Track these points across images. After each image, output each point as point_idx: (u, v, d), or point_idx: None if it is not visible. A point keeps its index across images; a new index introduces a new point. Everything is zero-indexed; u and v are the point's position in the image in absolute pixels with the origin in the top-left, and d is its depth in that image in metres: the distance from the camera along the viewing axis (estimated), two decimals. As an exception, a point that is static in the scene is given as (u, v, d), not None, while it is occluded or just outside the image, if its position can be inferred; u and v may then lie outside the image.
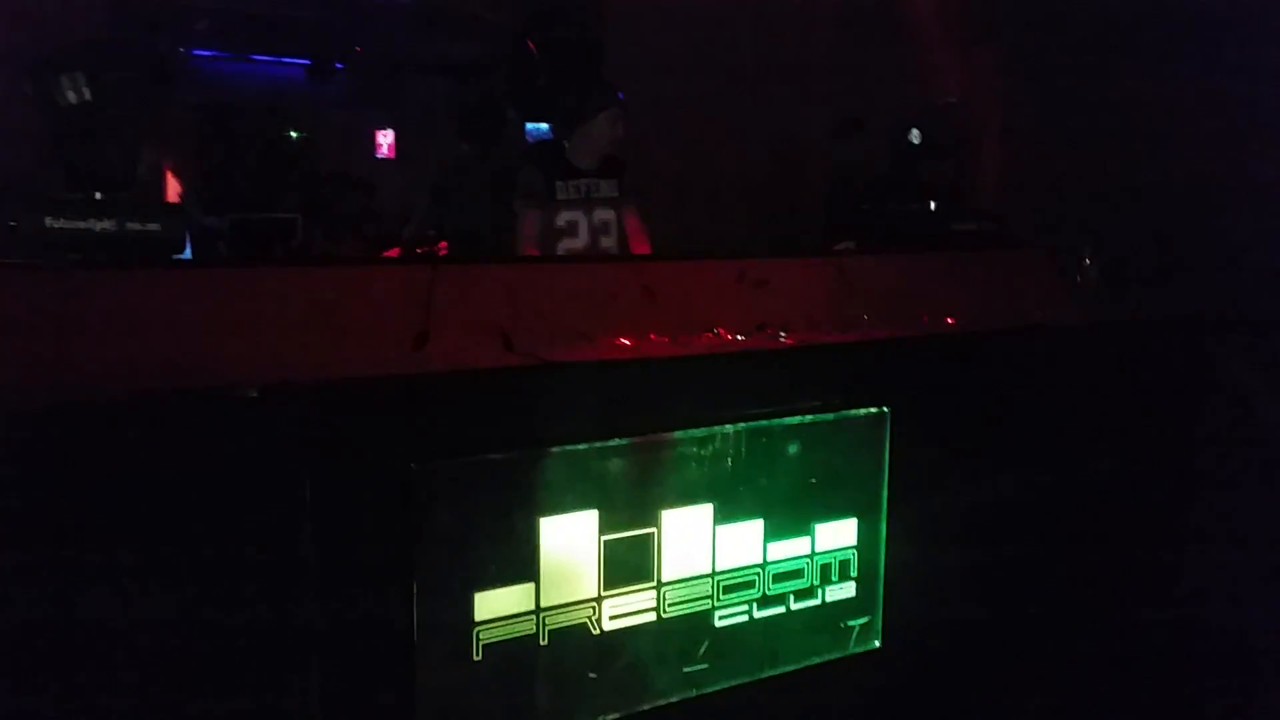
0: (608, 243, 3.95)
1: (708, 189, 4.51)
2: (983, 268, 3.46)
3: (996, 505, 3.03)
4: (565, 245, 3.91)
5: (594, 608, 2.43)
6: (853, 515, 2.80)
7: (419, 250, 4.60)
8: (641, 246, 4.00)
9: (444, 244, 4.74)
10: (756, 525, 2.65)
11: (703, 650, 2.59)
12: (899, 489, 2.84)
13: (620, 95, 4.02)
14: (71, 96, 2.31)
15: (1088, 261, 3.67)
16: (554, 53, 6.26)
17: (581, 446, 2.39)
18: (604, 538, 2.42)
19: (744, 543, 2.63)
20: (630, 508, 2.47)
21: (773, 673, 2.70)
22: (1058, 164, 4.59)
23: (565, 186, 3.91)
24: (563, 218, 3.91)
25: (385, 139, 9.61)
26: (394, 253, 4.60)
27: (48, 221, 2.17)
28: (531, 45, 6.26)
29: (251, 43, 7.96)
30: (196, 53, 7.67)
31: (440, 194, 4.79)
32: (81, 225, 2.20)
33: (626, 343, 2.65)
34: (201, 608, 1.96)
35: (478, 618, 2.26)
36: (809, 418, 2.71)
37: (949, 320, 3.17)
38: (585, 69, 5.66)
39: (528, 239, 3.94)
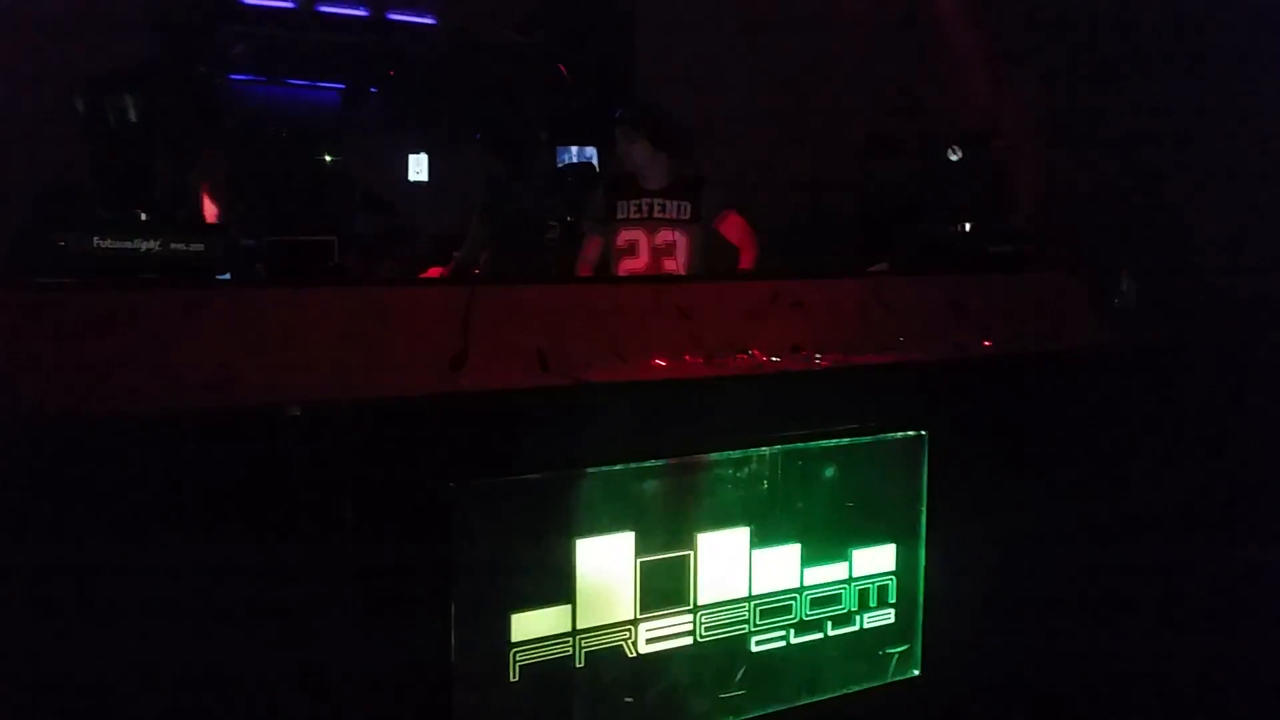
0: (672, 264, 3.86)
1: (741, 209, 4.50)
2: (1020, 289, 3.42)
3: (1036, 529, 2.98)
4: (625, 266, 3.88)
5: (630, 630, 2.41)
6: (890, 540, 2.77)
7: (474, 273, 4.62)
8: (747, 253, 3.91)
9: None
10: (793, 549, 2.62)
11: (739, 675, 2.56)
12: (937, 513, 2.80)
13: (616, 112, 3.98)
14: (120, 118, 2.35)
15: (1125, 283, 3.63)
16: (585, 76, 6.30)
17: (617, 467, 2.38)
18: (640, 560, 2.41)
19: (781, 567, 2.61)
20: (666, 530, 2.45)
21: (810, 700, 2.66)
22: (1095, 185, 4.55)
23: (626, 206, 3.89)
24: (623, 238, 3.89)
25: (418, 163, 9.70)
26: (433, 273, 4.62)
27: (95, 241, 2.21)
28: (563, 69, 6.32)
29: (286, 67, 8.09)
30: (232, 77, 7.81)
31: (488, 218, 4.82)
32: (127, 245, 2.24)
33: (661, 363, 2.64)
34: (237, 627, 1.97)
35: (514, 639, 2.25)
36: (845, 440, 2.68)
37: (986, 342, 3.14)
38: (616, 92, 5.68)
39: (585, 260, 3.98)
